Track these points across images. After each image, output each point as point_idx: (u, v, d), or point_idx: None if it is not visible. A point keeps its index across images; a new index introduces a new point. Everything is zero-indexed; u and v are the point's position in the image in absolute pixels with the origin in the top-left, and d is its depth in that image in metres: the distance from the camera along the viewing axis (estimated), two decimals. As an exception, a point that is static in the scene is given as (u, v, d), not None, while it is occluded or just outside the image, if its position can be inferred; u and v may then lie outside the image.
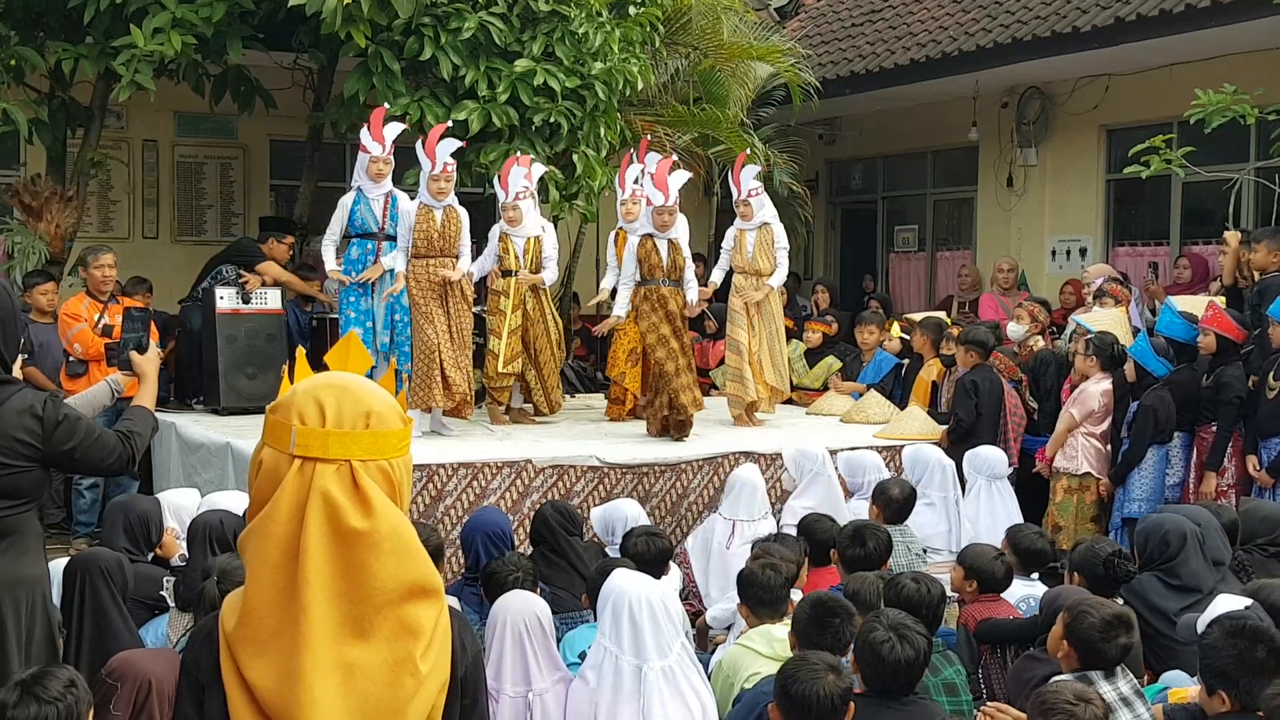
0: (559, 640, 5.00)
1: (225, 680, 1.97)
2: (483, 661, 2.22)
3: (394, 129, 8.77)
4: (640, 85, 10.68)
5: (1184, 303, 8.74)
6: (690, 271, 8.84)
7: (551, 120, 9.73)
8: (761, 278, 9.27)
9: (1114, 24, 10.98)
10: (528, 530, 7.41)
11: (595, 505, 7.45)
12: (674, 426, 8.52)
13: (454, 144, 8.47)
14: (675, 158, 9.49)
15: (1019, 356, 9.53)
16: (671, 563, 6.53)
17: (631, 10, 10.68)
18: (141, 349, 4.57)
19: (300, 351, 2.26)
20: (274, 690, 1.92)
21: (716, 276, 9.81)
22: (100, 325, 9.17)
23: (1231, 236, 9.28)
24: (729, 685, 4.91)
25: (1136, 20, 10.82)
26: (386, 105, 9.02)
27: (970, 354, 8.84)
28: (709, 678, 4.88)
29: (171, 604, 5.49)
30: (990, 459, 8.06)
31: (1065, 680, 4.04)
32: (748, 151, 10.05)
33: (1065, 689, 3.78)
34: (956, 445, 8.35)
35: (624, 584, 4.43)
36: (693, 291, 8.76)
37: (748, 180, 9.32)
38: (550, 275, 9.28)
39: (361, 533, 1.97)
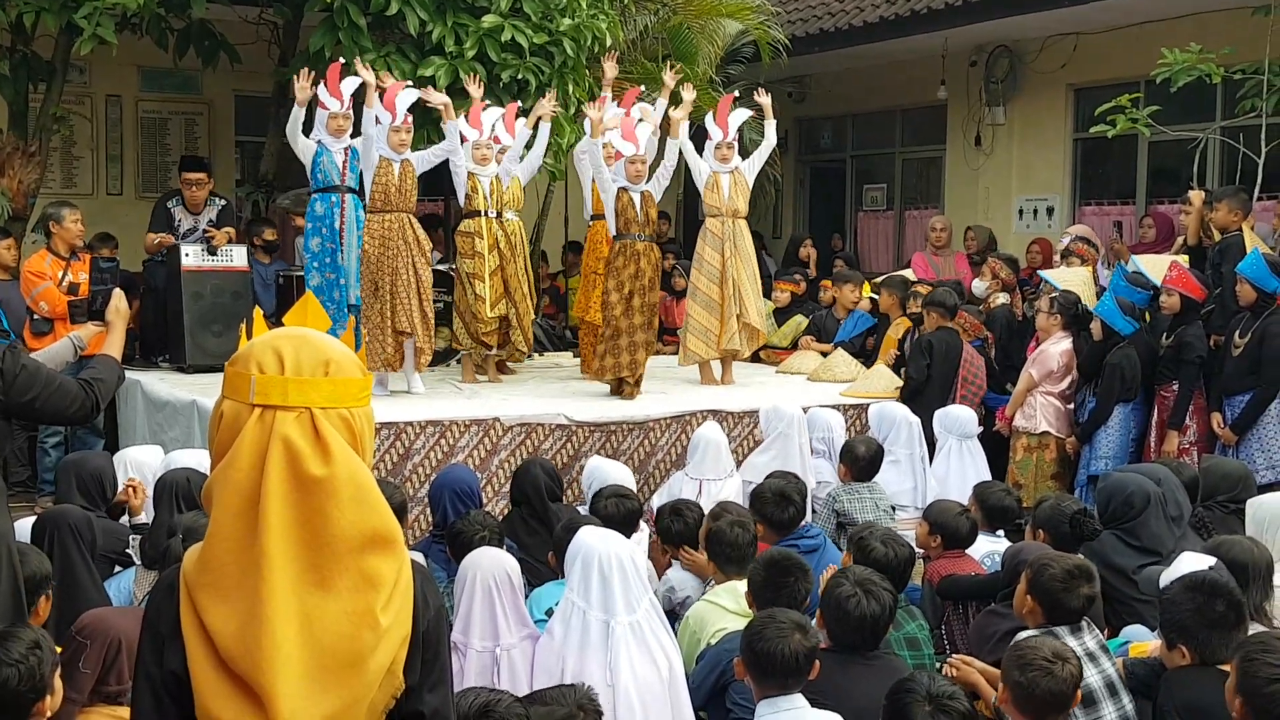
0: (526, 597, 5.01)
1: (185, 632, 1.97)
2: (446, 617, 2.22)
3: (351, 83, 8.68)
4: (609, 42, 10.62)
5: (1145, 262, 8.79)
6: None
7: (519, 77, 9.67)
8: (739, 218, 9.24)
9: (1082, -18, 10.99)
10: (495, 489, 7.46)
11: (563, 464, 7.47)
12: (621, 385, 8.52)
13: (413, 94, 8.41)
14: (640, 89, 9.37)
15: (981, 314, 9.57)
16: (640, 520, 6.55)
17: (600, -34, 10.61)
18: (108, 301, 4.54)
19: (257, 311, 2.26)
20: (235, 637, 1.92)
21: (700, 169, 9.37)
22: (65, 283, 9.09)
23: (1196, 196, 9.34)
24: (695, 640, 4.94)
25: (1105, -22, 10.83)
26: (342, 60, 8.92)
27: (931, 314, 8.86)
28: (676, 633, 4.91)
29: (138, 561, 5.48)
30: (961, 418, 8.10)
31: (1040, 636, 4.08)
32: (736, 94, 9.98)
33: (1043, 645, 3.81)
34: (907, 403, 8.35)
35: (593, 540, 4.45)
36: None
37: (735, 123, 9.29)
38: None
39: (320, 480, 1.96)
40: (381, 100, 8.27)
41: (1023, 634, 4.29)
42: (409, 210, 8.36)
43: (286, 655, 1.91)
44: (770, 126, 9.44)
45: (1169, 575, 4.42)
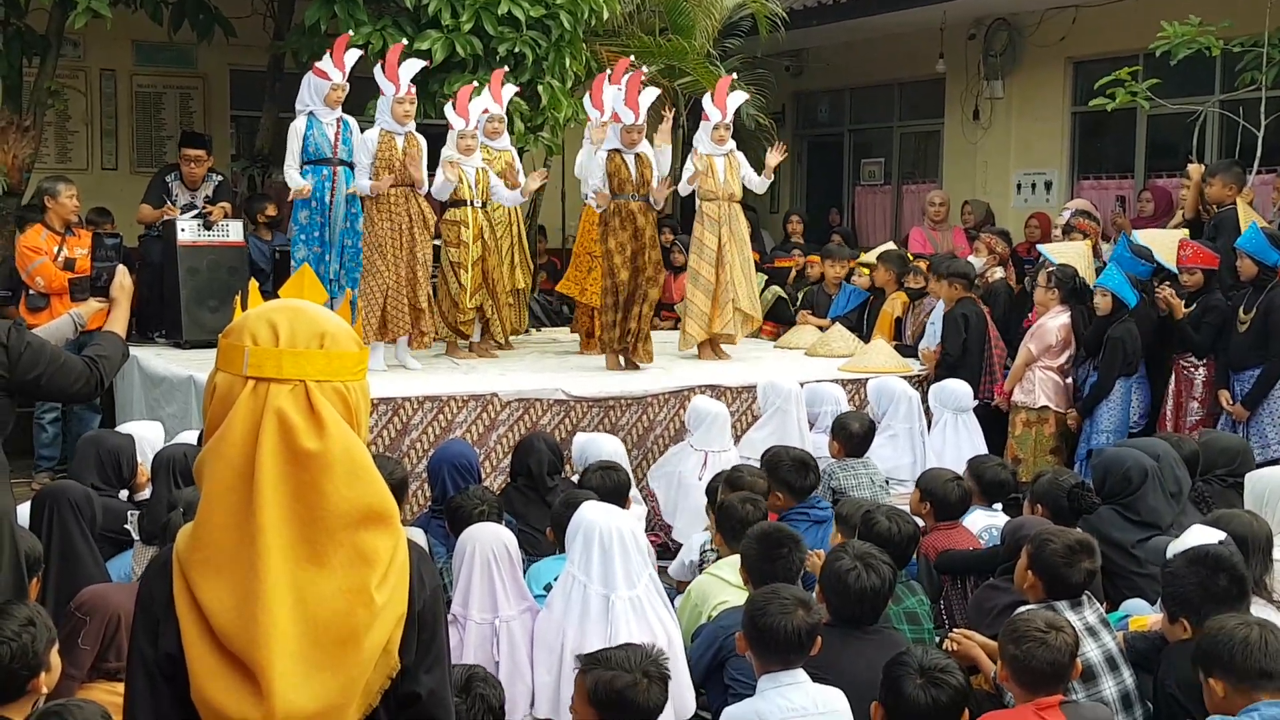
0: (525, 572, 5.01)
1: (179, 611, 1.94)
2: (442, 596, 2.18)
3: (352, 55, 8.66)
4: (606, 15, 10.58)
5: (1147, 236, 8.77)
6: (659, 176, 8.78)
7: (516, 50, 9.63)
8: (734, 201, 9.22)
9: (1082, -46, 10.94)
10: (494, 464, 7.46)
11: (561, 439, 7.47)
12: (634, 351, 8.49)
13: (416, 65, 8.38)
14: (644, 72, 9.34)
15: (979, 288, 9.56)
16: (636, 494, 6.55)
17: (597, -61, 10.55)
18: (113, 277, 4.50)
19: (253, 283, 2.23)
20: (230, 613, 1.90)
21: (683, 189, 9.43)
22: (61, 258, 9.06)
23: (1194, 170, 9.30)
24: (697, 613, 4.95)
25: (1105, -50, 10.77)
26: (350, 33, 8.89)
27: (954, 286, 8.80)
28: (677, 606, 4.92)
29: (136, 538, 5.47)
30: (956, 392, 8.10)
31: (1035, 609, 4.08)
32: (733, 76, 9.94)
33: (1036, 617, 3.81)
34: (943, 378, 8.34)
35: (594, 515, 4.45)
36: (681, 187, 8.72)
37: (733, 105, 9.25)
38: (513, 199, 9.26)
39: (314, 454, 1.93)
40: (384, 70, 8.24)
41: (1023, 608, 4.29)
42: (415, 185, 8.33)
43: (282, 632, 1.88)
44: (764, 179, 9.41)
45: (1176, 547, 4.41)
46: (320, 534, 1.94)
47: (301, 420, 1.94)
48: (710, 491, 6.03)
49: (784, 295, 11.49)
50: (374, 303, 8.18)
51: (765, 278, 11.71)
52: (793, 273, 11.77)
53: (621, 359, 8.63)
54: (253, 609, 1.89)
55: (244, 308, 2.08)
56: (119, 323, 4.37)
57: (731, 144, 9.33)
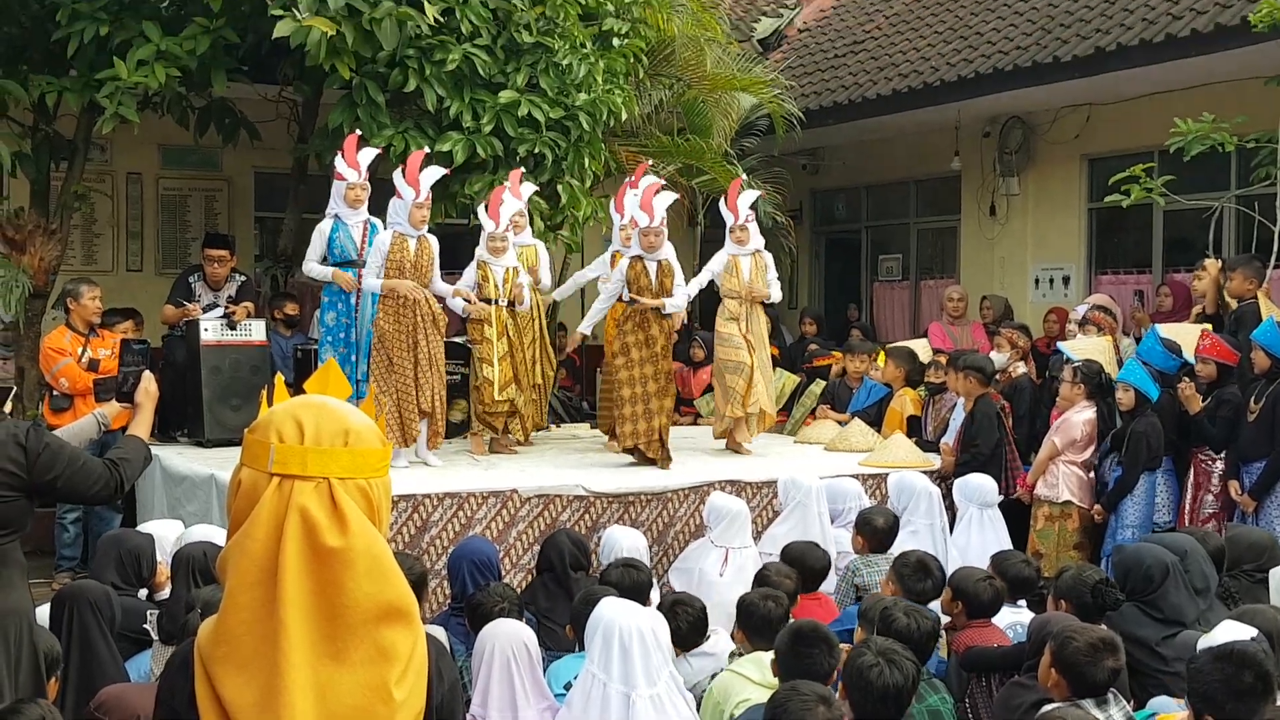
0: (545, 668, 4.98)
1: (200, 706, 1.94)
2: (459, 691, 2.19)
3: (368, 154, 8.78)
4: (624, 116, 10.73)
5: (1170, 330, 8.79)
6: (679, 285, 8.83)
7: (536, 151, 9.76)
8: (755, 304, 9.27)
9: (1094, 54, 11.07)
10: (514, 560, 7.44)
11: (582, 535, 7.44)
12: (657, 454, 8.50)
13: (438, 172, 8.47)
14: (661, 181, 9.48)
15: (999, 383, 9.56)
16: (657, 591, 6.51)
17: (615, 42, 10.75)
18: (138, 383, 4.54)
19: (279, 377, 2.25)
20: (252, 709, 1.90)
21: (692, 289, 9.43)
22: (84, 359, 9.14)
23: (1211, 264, 9.33)
24: (719, 711, 4.88)
25: (1117, 50, 10.90)
26: (359, 132, 9.02)
27: (970, 379, 8.80)
28: (699, 704, 4.87)
29: (155, 638, 5.45)
30: (981, 487, 8.05)
31: (1062, 707, 4.03)
32: (744, 177, 10.05)
33: (1068, 715, 3.76)
34: (971, 473, 8.31)
35: (614, 612, 4.42)
36: (674, 301, 8.75)
37: (745, 205, 9.34)
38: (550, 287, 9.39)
39: (336, 551, 1.95)
40: (404, 175, 8.34)
41: (1048, 706, 4.23)
42: (424, 286, 8.37)
43: None
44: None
45: (1206, 643, 4.36)
46: (341, 630, 1.95)
47: (325, 518, 1.96)
48: None
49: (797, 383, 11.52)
50: (390, 406, 8.17)
51: (798, 377, 11.75)
52: (835, 369, 11.78)
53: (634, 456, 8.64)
54: (275, 705, 1.89)
55: (270, 402, 2.10)
56: (142, 426, 4.40)
57: (757, 243, 9.38)
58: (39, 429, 3.83)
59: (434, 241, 8.52)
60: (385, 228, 8.55)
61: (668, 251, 8.79)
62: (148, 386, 4.46)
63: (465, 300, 8.71)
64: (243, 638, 1.94)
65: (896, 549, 7.04)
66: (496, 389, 8.76)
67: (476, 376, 8.87)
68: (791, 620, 4.99)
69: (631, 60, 10.96)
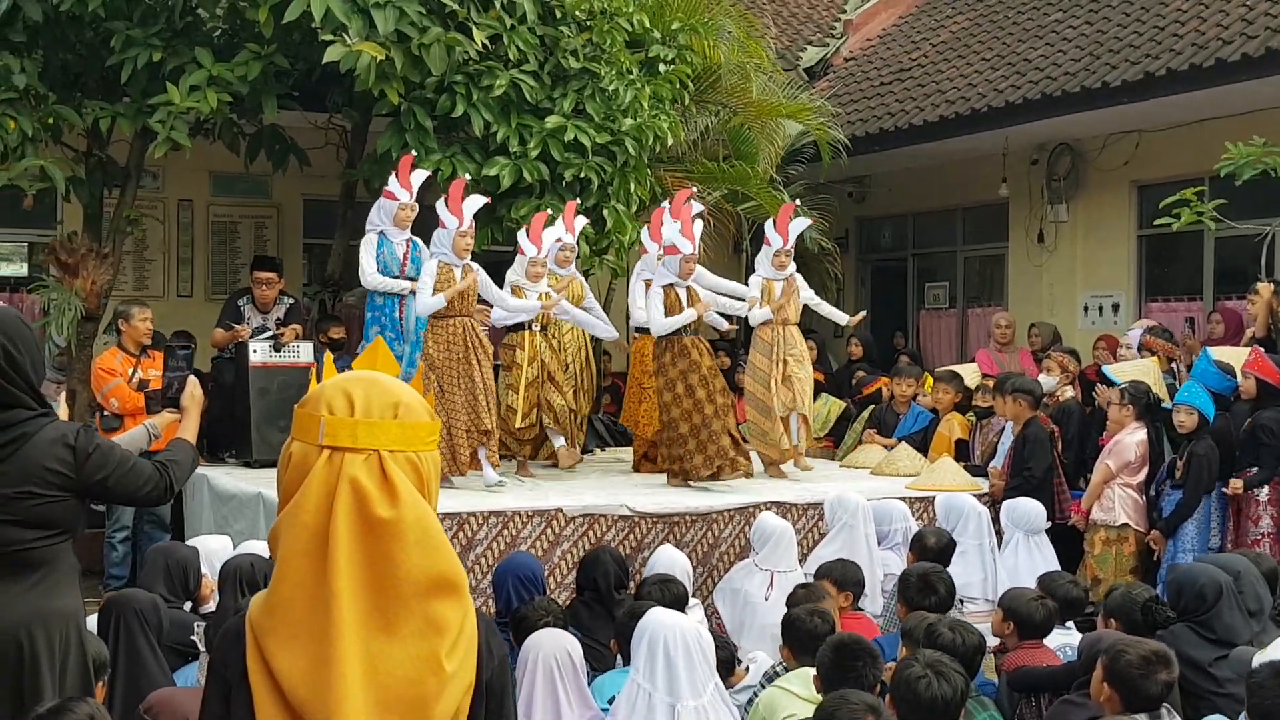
0: (590, 683, 4.95)
1: (251, 677, 1.95)
2: (509, 668, 2.18)
3: (419, 176, 8.85)
4: (670, 141, 10.77)
5: (1220, 353, 8.69)
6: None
7: (582, 175, 9.80)
8: (788, 325, 9.24)
9: (1144, 79, 11.02)
10: (558, 580, 7.42)
11: (626, 555, 7.42)
12: (722, 468, 8.46)
13: (480, 201, 8.51)
14: (699, 206, 9.49)
15: (1048, 406, 9.47)
16: (698, 611, 6.47)
17: (661, 68, 10.80)
18: (183, 388, 4.55)
19: (328, 355, 2.26)
20: (304, 679, 1.90)
21: (754, 318, 9.36)
22: (135, 379, 9.22)
23: (1264, 287, 9.24)
24: (763, 728, 4.85)
25: (1167, 75, 10.85)
26: (414, 153, 9.09)
27: (1019, 403, 8.73)
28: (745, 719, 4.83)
29: (202, 649, 5.47)
30: (1029, 512, 7.96)
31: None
32: (796, 203, 10.04)
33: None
34: (1022, 497, 8.25)
35: (660, 620, 4.40)
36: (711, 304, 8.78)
37: (795, 231, 9.34)
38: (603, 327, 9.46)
39: (387, 522, 1.96)
40: (447, 204, 8.38)
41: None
42: (470, 315, 8.38)
43: (354, 699, 1.90)
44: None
45: (1261, 658, 4.30)
46: (392, 602, 1.96)
47: (375, 489, 1.97)
48: None
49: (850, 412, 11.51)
50: (441, 431, 8.13)
51: (844, 403, 11.73)
52: (885, 393, 11.76)
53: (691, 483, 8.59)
54: (326, 676, 1.90)
55: (319, 380, 2.11)
56: (189, 430, 4.42)
57: (792, 267, 9.40)
58: (89, 430, 3.85)
59: (479, 271, 8.54)
60: (428, 250, 8.59)
61: (699, 278, 8.80)
62: (193, 391, 4.48)
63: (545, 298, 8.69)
64: (294, 608, 1.95)
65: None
66: (519, 416, 8.74)
67: (502, 403, 8.82)
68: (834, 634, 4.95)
69: (677, 86, 11.00)
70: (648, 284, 9.44)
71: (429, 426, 2.07)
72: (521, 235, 8.94)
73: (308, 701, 1.89)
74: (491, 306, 8.70)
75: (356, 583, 1.94)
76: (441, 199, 8.48)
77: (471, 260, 8.45)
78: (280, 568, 1.98)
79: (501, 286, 8.75)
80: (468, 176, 8.95)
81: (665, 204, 9.48)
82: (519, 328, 8.84)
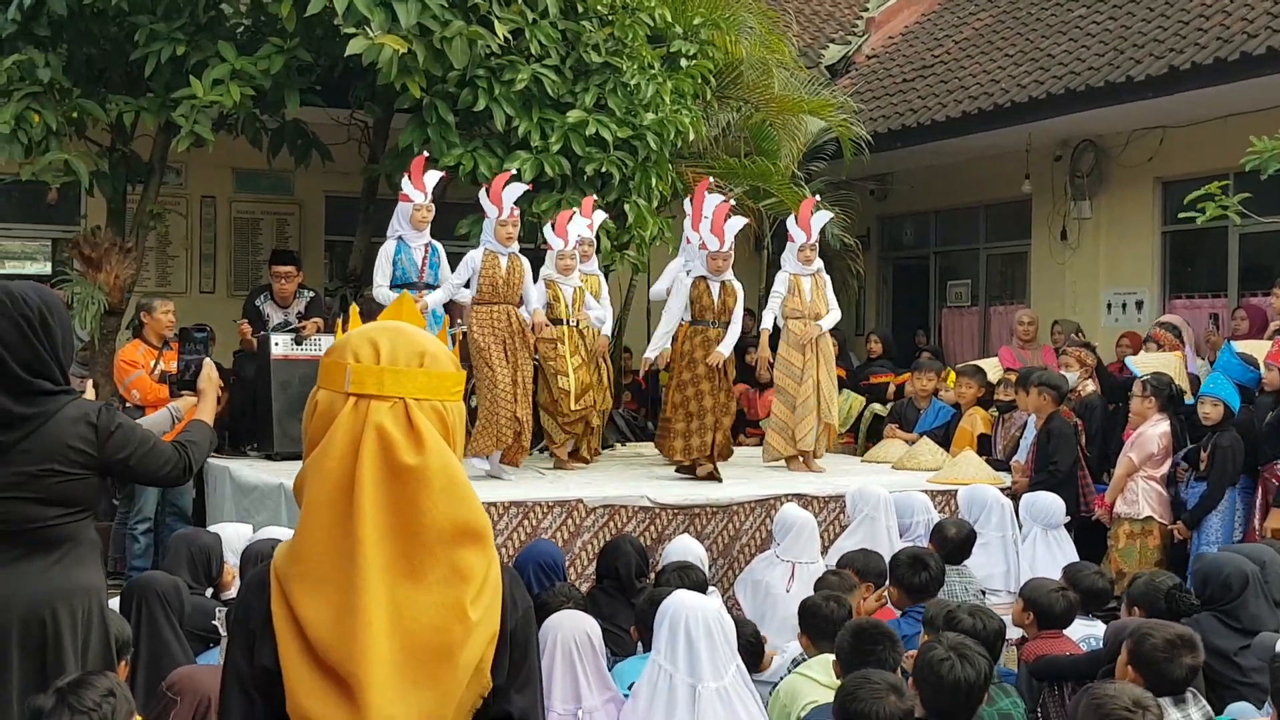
0: (610, 668, 4.94)
1: (276, 624, 1.95)
2: (534, 619, 2.18)
3: (433, 176, 8.86)
4: (692, 136, 10.76)
5: (1244, 346, 8.65)
6: (738, 313, 8.82)
7: (603, 170, 9.81)
8: (819, 319, 9.24)
9: (1168, 73, 10.96)
10: (579, 570, 7.41)
11: (646, 546, 7.41)
12: (708, 467, 8.47)
13: (519, 189, 8.54)
14: (732, 202, 9.48)
15: (1071, 401, 9.43)
16: (717, 600, 6.45)
17: (683, 63, 10.79)
18: (200, 370, 4.55)
19: (354, 307, 2.27)
20: (328, 626, 1.90)
21: (768, 320, 9.49)
22: (157, 371, 9.24)
23: (1289, 283, 9.20)
24: (785, 714, 4.83)
25: (1191, 69, 10.79)
26: (426, 154, 9.10)
27: (1044, 396, 8.71)
28: (766, 706, 4.81)
29: (223, 633, 5.48)
30: (1048, 507, 7.92)
31: (1123, 684, 3.93)
32: (816, 197, 10.03)
33: (1123, 693, 3.67)
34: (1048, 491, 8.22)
35: (682, 601, 4.39)
36: (727, 344, 8.71)
37: (818, 225, 9.33)
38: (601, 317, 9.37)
39: (413, 468, 1.96)
40: (488, 194, 8.40)
41: (1110, 683, 4.13)
42: (514, 303, 8.42)
43: (380, 646, 1.89)
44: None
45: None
46: (418, 549, 1.95)
47: (401, 436, 1.97)
48: None
49: (880, 414, 11.49)
50: (489, 410, 8.20)
51: (864, 399, 11.74)
52: (890, 388, 11.74)
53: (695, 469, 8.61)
54: (351, 623, 1.90)
55: (344, 330, 2.11)
56: (206, 412, 4.43)
57: (818, 264, 9.39)
58: (110, 409, 3.86)
59: (525, 262, 8.56)
60: (448, 251, 8.62)
61: (730, 273, 8.81)
62: (209, 373, 4.49)
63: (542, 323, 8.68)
64: (319, 555, 1.94)
65: (967, 561, 6.95)
66: (572, 398, 8.75)
67: (552, 390, 8.83)
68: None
69: (699, 81, 10.98)
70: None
71: (454, 376, 2.07)
72: (547, 230, 8.97)
73: (333, 648, 1.89)
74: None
75: (382, 529, 1.93)
76: (484, 190, 8.51)
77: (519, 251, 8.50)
78: (305, 514, 1.98)
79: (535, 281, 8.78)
80: (507, 169, 8.95)
81: (713, 195, 9.39)
82: (556, 322, 8.84)
